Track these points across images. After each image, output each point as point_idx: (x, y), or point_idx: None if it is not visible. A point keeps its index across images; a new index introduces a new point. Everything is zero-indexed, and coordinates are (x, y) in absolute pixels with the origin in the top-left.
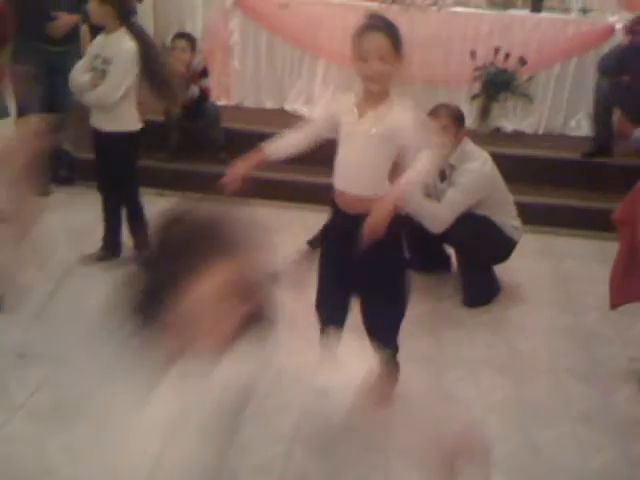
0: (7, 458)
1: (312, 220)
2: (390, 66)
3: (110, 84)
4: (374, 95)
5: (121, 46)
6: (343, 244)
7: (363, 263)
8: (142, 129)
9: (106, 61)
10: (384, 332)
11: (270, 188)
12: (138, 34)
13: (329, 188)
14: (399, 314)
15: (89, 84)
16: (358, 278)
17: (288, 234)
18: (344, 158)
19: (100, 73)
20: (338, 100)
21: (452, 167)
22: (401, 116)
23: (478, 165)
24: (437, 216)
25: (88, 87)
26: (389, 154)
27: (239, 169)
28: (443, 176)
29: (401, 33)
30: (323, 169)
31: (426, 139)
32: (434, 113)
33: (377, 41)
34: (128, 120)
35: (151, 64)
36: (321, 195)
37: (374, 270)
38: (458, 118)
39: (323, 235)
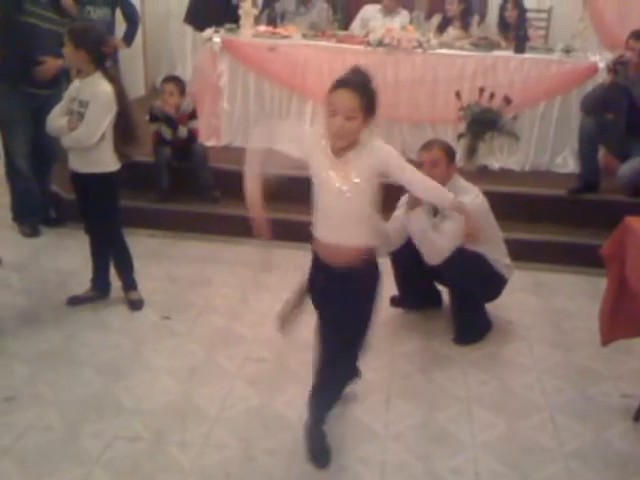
0: None
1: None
2: (356, 124)
3: (88, 126)
4: (342, 149)
5: (97, 89)
6: (327, 298)
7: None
8: (121, 169)
9: (82, 104)
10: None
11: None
12: (113, 78)
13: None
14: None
15: (66, 127)
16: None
17: (279, 274)
18: (326, 208)
19: (77, 116)
20: (307, 135)
21: None
22: (378, 149)
23: (472, 198)
24: (436, 248)
25: (65, 130)
26: (373, 194)
27: (258, 212)
28: (435, 210)
29: (375, 93)
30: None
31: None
32: (427, 147)
33: (345, 98)
34: (105, 161)
35: (121, 108)
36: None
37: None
38: (450, 153)
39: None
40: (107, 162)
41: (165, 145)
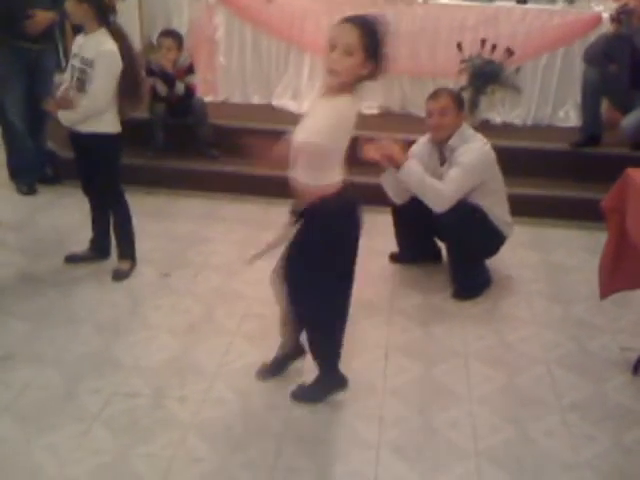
0: None
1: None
2: (355, 62)
3: (96, 93)
4: (332, 89)
5: (102, 47)
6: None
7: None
8: (123, 132)
9: (84, 61)
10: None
11: (259, 185)
12: (118, 34)
13: None
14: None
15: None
16: None
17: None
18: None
19: (78, 73)
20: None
21: (452, 149)
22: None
23: (480, 145)
24: (442, 194)
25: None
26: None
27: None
28: (443, 159)
29: (382, 37)
30: None
31: None
32: (434, 96)
33: (347, 32)
34: (108, 122)
35: (128, 66)
36: None
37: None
38: (458, 101)
39: None
40: (111, 122)
41: (160, 101)
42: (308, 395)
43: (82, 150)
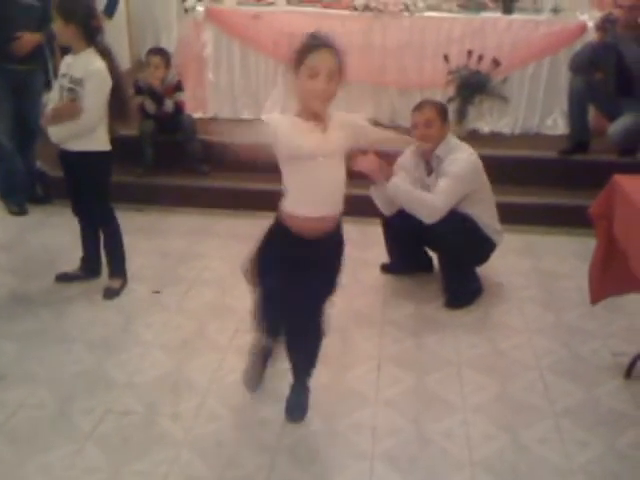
0: None
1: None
2: (335, 86)
3: (88, 107)
4: (318, 114)
5: (91, 66)
6: (300, 266)
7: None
8: (112, 150)
9: (73, 80)
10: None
11: (250, 199)
12: (105, 53)
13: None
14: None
15: (59, 114)
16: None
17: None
18: (312, 182)
19: (67, 93)
20: (276, 122)
21: (439, 159)
22: (344, 116)
23: (467, 154)
24: (431, 206)
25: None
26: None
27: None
28: (429, 170)
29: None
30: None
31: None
32: (419, 108)
33: (328, 59)
34: (98, 140)
35: (115, 85)
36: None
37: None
38: (442, 112)
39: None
40: (101, 140)
41: (149, 119)
42: (306, 410)
43: (71, 169)
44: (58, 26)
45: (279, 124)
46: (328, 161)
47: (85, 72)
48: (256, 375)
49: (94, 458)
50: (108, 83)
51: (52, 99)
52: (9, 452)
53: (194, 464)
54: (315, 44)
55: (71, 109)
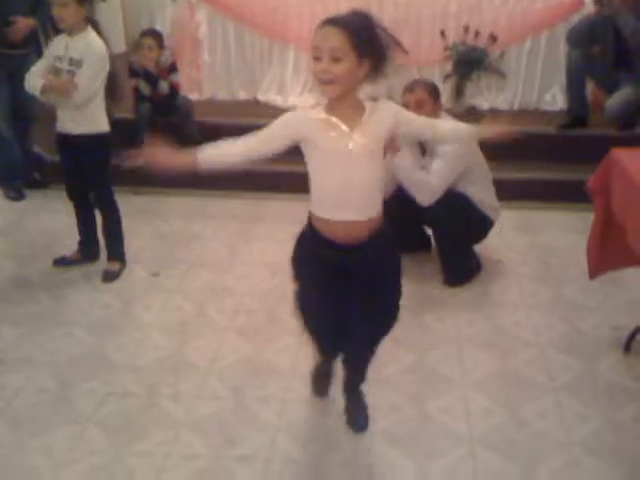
0: None
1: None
2: (346, 67)
3: (82, 84)
4: (342, 102)
5: (92, 45)
6: (336, 277)
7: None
8: (112, 131)
9: (74, 62)
10: (367, 364)
11: (247, 180)
12: (98, 32)
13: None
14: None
15: (53, 87)
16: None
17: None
18: (335, 182)
19: (67, 75)
20: (300, 118)
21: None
22: (387, 109)
23: None
24: (428, 187)
25: (50, 90)
26: (382, 160)
27: (160, 156)
28: (423, 150)
29: (371, 28)
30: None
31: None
32: (410, 89)
33: (330, 37)
34: (99, 121)
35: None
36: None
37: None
38: (434, 92)
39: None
40: (101, 122)
41: (144, 101)
42: (367, 410)
43: (71, 153)
44: (72, 8)
45: (300, 124)
46: (355, 159)
47: (85, 52)
48: (324, 388)
49: (96, 440)
50: (107, 64)
51: (35, 76)
52: (11, 435)
53: (195, 444)
54: (324, 21)
55: (65, 85)
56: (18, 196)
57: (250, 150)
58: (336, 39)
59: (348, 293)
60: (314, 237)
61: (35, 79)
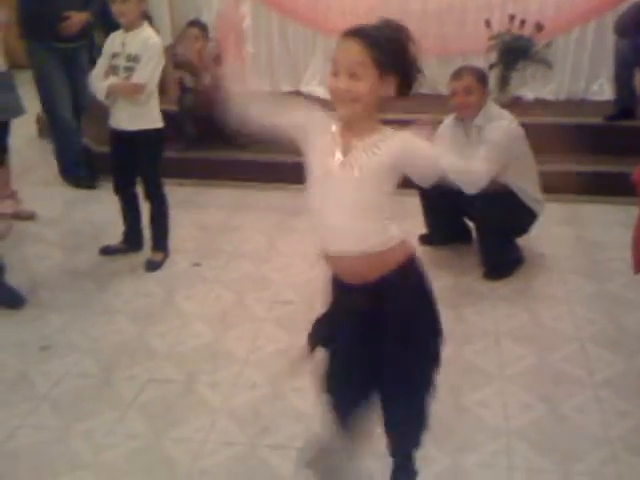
0: (33, 447)
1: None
2: (366, 86)
3: (143, 80)
4: (353, 124)
5: (149, 41)
6: (359, 325)
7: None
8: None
9: (131, 58)
10: (412, 426)
11: (287, 172)
12: (154, 27)
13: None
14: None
15: (118, 88)
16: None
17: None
18: (330, 208)
19: (124, 72)
20: (317, 115)
21: (479, 128)
22: (398, 137)
23: (507, 123)
24: (473, 174)
25: (117, 90)
26: (390, 185)
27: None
28: (468, 139)
29: (398, 42)
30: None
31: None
32: (457, 75)
33: (349, 52)
34: (155, 117)
35: None
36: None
37: (406, 348)
38: (482, 79)
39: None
40: (156, 117)
41: (188, 93)
42: None
43: (127, 149)
44: (130, 4)
45: (313, 124)
46: (340, 186)
47: (143, 47)
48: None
49: (135, 425)
50: (163, 59)
51: (98, 77)
52: (54, 419)
53: (231, 431)
54: (344, 33)
55: (131, 88)
56: (89, 184)
57: (284, 119)
58: (356, 54)
59: (376, 344)
60: (333, 285)
61: (99, 82)
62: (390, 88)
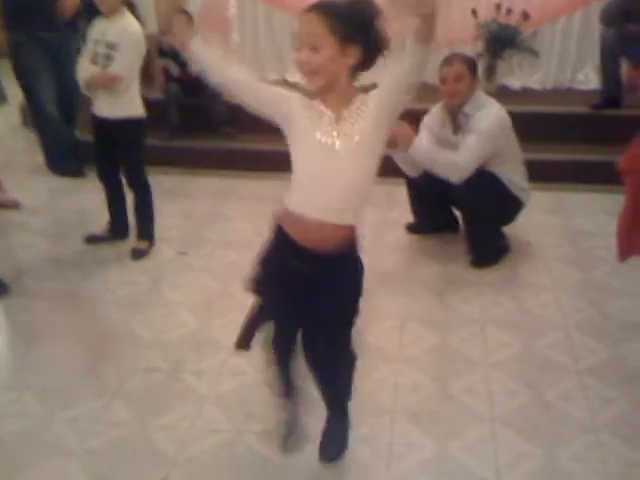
0: (17, 434)
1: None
2: (327, 55)
3: (121, 69)
4: (329, 92)
5: (129, 29)
6: (298, 283)
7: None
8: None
9: (109, 45)
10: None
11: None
12: (137, 15)
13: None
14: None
15: (100, 76)
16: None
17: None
18: (315, 175)
19: (103, 59)
20: (297, 96)
21: (467, 116)
22: (373, 94)
23: (495, 111)
24: (457, 164)
25: (98, 79)
26: (380, 146)
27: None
28: (456, 127)
29: (360, 13)
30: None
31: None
32: (448, 62)
33: (307, 25)
34: (136, 105)
35: None
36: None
37: (337, 300)
38: (472, 66)
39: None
40: (137, 106)
41: (173, 81)
42: (343, 446)
43: (107, 136)
44: None
45: (294, 98)
46: (342, 156)
47: (121, 35)
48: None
49: (121, 412)
50: (144, 47)
51: (83, 66)
52: (38, 407)
53: (217, 419)
54: (306, 8)
55: (107, 81)
56: (75, 173)
57: (245, 78)
58: (314, 26)
59: (312, 308)
60: (283, 246)
61: (82, 72)
62: (354, 59)
